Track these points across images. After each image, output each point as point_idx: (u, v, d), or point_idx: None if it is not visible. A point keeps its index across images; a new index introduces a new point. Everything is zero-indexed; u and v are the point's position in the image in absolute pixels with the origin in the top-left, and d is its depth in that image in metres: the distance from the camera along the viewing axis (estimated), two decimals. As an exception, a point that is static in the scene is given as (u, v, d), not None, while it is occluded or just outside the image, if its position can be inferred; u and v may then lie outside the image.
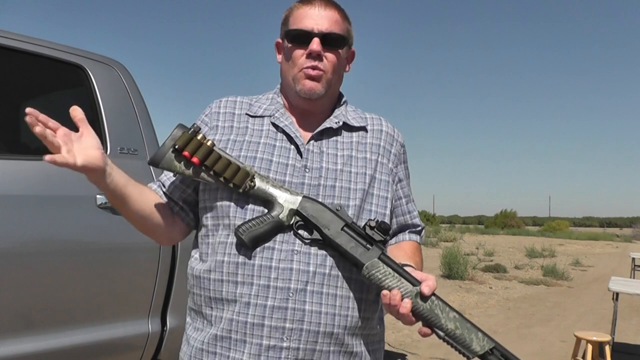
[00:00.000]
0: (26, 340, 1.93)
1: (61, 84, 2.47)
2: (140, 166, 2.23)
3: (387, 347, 4.95)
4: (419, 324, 1.05)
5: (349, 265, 1.11)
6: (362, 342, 1.15)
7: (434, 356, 4.77)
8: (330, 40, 1.17)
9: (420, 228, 1.31)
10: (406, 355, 4.80)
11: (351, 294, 1.11)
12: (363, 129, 1.25)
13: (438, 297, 1.05)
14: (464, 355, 1.04)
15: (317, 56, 1.16)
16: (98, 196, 2.11)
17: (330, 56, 1.17)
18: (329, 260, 1.10)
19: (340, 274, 1.10)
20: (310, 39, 1.15)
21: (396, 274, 1.05)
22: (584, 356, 3.97)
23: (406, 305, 1.02)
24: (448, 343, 1.04)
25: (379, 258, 1.07)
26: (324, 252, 1.10)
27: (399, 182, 1.27)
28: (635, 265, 9.07)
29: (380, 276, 1.05)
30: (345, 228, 1.08)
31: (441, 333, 1.03)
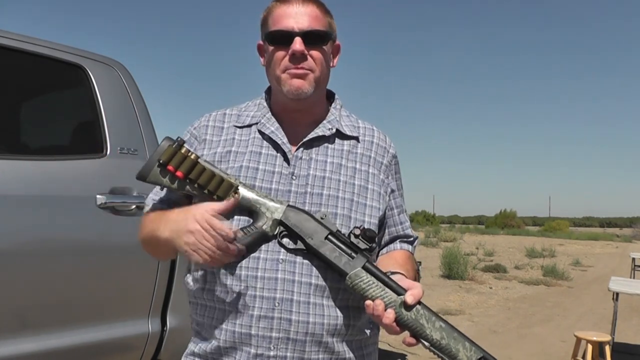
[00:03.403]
0: (26, 340, 1.93)
1: (61, 84, 2.47)
2: (140, 166, 2.22)
3: (387, 347, 4.95)
4: (406, 333, 1.03)
5: (335, 274, 1.09)
6: (353, 347, 1.14)
7: (433, 356, 4.77)
8: (313, 38, 1.13)
9: (412, 239, 1.30)
10: (406, 355, 4.80)
11: (339, 303, 1.10)
12: (355, 138, 1.23)
13: (424, 306, 1.03)
14: None
15: (301, 56, 1.13)
16: (98, 196, 2.11)
17: (314, 54, 1.14)
18: (315, 270, 1.08)
19: (327, 283, 1.09)
20: (291, 39, 1.12)
21: (380, 283, 1.03)
22: (584, 356, 3.97)
23: (389, 316, 1.00)
24: (434, 353, 1.03)
25: (363, 267, 1.05)
26: (309, 261, 1.09)
27: (391, 193, 1.25)
28: (635, 265, 9.06)
29: (363, 286, 1.03)
30: (329, 237, 1.07)
31: (426, 343, 1.02)
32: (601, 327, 5.91)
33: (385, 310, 1.01)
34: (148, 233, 1.16)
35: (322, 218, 1.08)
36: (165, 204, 1.21)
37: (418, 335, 1.02)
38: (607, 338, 4.06)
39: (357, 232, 1.06)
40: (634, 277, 8.64)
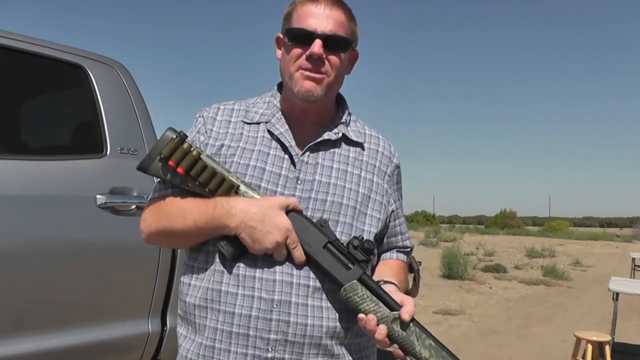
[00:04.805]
0: (26, 340, 1.93)
1: (61, 84, 2.47)
2: (140, 166, 2.22)
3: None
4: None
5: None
6: (352, 350, 1.13)
7: (434, 356, 4.76)
8: (333, 43, 1.11)
9: (408, 249, 1.31)
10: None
11: (338, 306, 1.09)
12: (360, 145, 1.22)
13: (416, 323, 1.04)
14: None
15: (318, 58, 1.11)
16: (98, 196, 2.11)
17: (332, 59, 1.13)
18: (313, 272, 1.08)
19: (325, 286, 1.08)
20: (312, 40, 1.10)
21: (374, 298, 1.04)
22: (584, 356, 3.98)
23: (381, 332, 1.01)
24: None
25: (360, 279, 1.04)
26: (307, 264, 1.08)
27: (393, 204, 1.25)
28: (635, 265, 9.08)
29: (357, 299, 1.03)
30: (327, 245, 1.06)
31: None
32: (601, 327, 5.91)
33: (378, 325, 1.02)
34: (186, 221, 1.08)
35: (322, 225, 1.07)
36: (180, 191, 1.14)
37: (407, 352, 1.04)
38: (607, 338, 4.06)
39: (356, 242, 1.06)
40: (634, 277, 8.65)
